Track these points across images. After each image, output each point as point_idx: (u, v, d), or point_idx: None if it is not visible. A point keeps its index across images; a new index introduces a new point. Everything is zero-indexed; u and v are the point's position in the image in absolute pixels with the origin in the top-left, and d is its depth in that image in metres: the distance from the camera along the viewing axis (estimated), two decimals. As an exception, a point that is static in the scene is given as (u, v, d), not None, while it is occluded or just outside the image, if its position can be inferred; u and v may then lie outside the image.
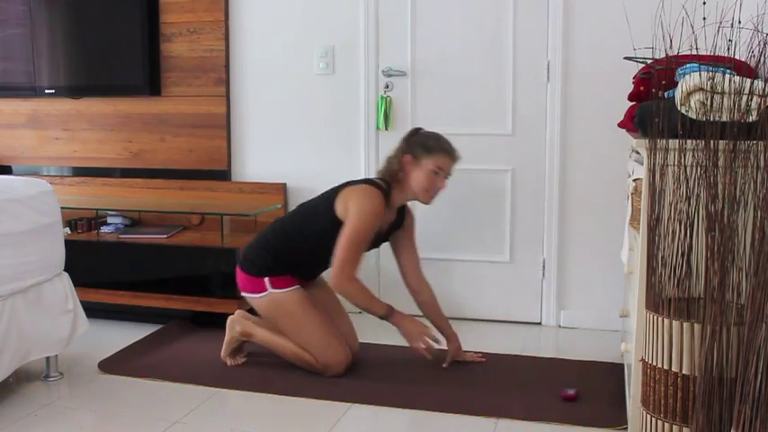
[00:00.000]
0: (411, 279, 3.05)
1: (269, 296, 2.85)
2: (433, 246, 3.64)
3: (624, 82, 2.76)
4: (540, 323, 3.57)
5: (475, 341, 3.28)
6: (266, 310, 2.89)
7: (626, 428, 2.30)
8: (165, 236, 3.65)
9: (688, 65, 2.07)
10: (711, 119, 1.88)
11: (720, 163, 1.86)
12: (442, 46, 3.55)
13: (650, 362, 1.96)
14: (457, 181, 3.56)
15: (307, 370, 2.85)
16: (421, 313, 3.06)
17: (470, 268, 3.62)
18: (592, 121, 3.37)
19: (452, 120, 3.56)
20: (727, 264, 1.84)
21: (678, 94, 1.98)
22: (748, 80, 1.89)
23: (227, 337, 2.99)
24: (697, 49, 2.01)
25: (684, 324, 1.87)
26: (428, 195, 2.89)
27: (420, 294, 3.05)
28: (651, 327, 1.95)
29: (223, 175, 3.88)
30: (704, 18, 2.04)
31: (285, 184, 3.78)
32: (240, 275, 2.91)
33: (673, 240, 1.93)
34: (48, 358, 2.82)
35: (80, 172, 4.11)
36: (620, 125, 2.69)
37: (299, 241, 2.86)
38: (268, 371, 2.89)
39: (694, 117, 1.93)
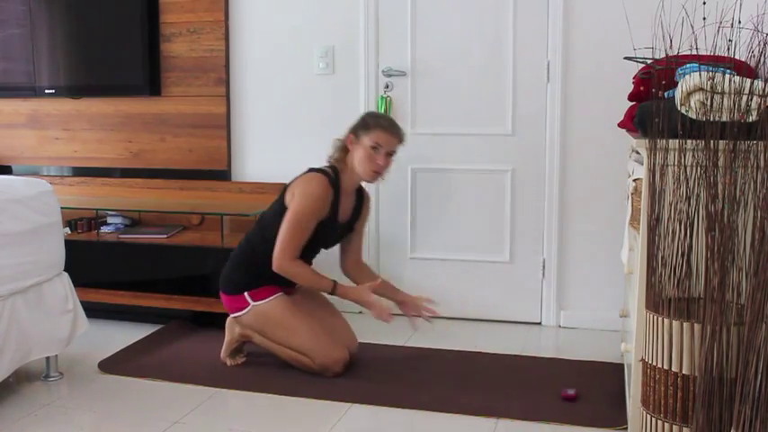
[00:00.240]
0: (350, 265, 3.07)
1: (253, 310, 2.86)
2: (434, 246, 3.65)
3: (624, 82, 2.76)
4: (540, 323, 3.56)
5: (475, 341, 3.29)
6: (254, 324, 2.89)
7: (626, 428, 2.30)
8: (165, 236, 3.65)
9: (688, 65, 2.07)
10: (711, 119, 1.88)
11: (720, 163, 1.86)
12: (442, 46, 3.55)
13: (650, 362, 1.96)
14: (457, 181, 3.58)
15: (306, 371, 2.85)
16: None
17: (470, 268, 3.62)
18: (592, 121, 3.37)
19: (452, 120, 3.56)
20: (727, 264, 1.84)
21: (678, 94, 1.98)
22: (748, 80, 1.89)
23: (226, 338, 2.99)
24: (697, 49, 2.01)
25: (684, 324, 1.87)
26: (369, 173, 2.87)
27: (361, 279, 3.05)
28: (651, 327, 1.95)
29: (223, 175, 3.88)
30: (704, 18, 2.04)
31: (285, 184, 3.77)
32: (223, 298, 2.95)
33: (673, 240, 1.93)
34: (48, 358, 2.82)
35: (80, 172, 4.11)
36: (620, 125, 2.69)
37: (264, 250, 2.85)
38: (268, 371, 2.89)
39: (694, 117, 1.93)
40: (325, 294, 2.93)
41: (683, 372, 1.88)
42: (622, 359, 2.80)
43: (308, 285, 2.88)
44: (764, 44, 1.87)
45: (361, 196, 3.02)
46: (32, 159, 4.20)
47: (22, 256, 2.60)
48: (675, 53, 2.08)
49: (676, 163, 1.93)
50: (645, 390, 2.01)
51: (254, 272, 2.88)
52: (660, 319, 1.92)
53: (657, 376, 1.94)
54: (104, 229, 3.80)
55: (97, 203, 3.87)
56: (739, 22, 1.97)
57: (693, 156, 1.90)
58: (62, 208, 2.89)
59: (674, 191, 1.94)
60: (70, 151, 4.13)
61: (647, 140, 1.99)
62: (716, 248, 1.84)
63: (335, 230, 2.93)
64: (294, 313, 2.85)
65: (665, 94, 2.11)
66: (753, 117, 1.86)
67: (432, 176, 3.62)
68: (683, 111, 1.95)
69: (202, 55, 3.84)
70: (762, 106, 1.84)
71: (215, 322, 3.32)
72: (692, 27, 2.04)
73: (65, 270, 2.86)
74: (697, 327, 1.86)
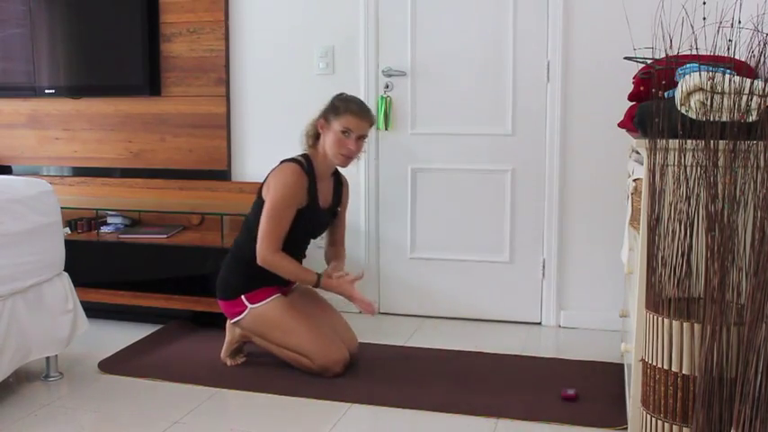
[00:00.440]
0: (331, 248, 3.08)
1: (251, 313, 2.86)
2: (434, 246, 3.65)
3: (624, 82, 2.76)
4: (540, 323, 3.56)
5: (475, 341, 3.28)
6: (253, 327, 2.89)
7: (626, 428, 2.30)
8: (165, 236, 3.65)
9: (688, 65, 2.07)
10: (711, 119, 1.88)
11: (720, 163, 1.86)
12: (442, 46, 3.54)
13: (650, 362, 1.96)
14: (457, 181, 3.58)
15: (307, 372, 2.85)
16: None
17: (470, 268, 3.62)
18: (592, 121, 3.37)
19: (452, 120, 3.56)
20: (727, 264, 1.84)
21: (678, 94, 1.98)
22: (748, 80, 1.89)
23: (227, 339, 2.99)
24: (697, 49, 2.01)
25: (684, 324, 1.87)
26: (340, 157, 2.88)
27: (330, 253, 3.07)
28: (651, 327, 1.95)
29: (223, 175, 3.88)
30: (704, 18, 2.04)
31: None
32: (220, 304, 2.95)
33: (673, 240, 1.93)
34: (48, 358, 2.82)
35: (80, 172, 4.11)
36: (620, 125, 2.69)
37: (253, 250, 2.84)
38: (268, 371, 2.89)
39: (694, 117, 1.93)
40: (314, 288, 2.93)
41: (683, 372, 1.88)
42: (622, 359, 2.80)
43: (292, 278, 2.88)
44: (764, 44, 1.87)
45: (339, 181, 3.03)
46: (32, 159, 4.20)
47: (22, 256, 2.60)
48: (675, 53, 2.08)
49: (676, 163, 1.93)
50: (645, 390, 2.01)
51: (248, 274, 2.88)
52: (660, 319, 1.92)
53: (657, 376, 1.94)
54: (104, 229, 3.80)
55: (97, 203, 3.87)
56: (739, 22, 1.97)
57: (693, 156, 1.91)
58: (62, 208, 2.89)
59: (674, 191, 1.94)
60: (70, 151, 4.13)
61: (647, 140, 1.99)
62: (716, 248, 1.84)
63: (319, 217, 2.93)
64: (292, 314, 2.85)
65: (665, 94, 2.11)
66: (753, 117, 1.86)
67: (432, 176, 3.62)
68: (683, 111, 1.95)
69: (202, 55, 3.84)
70: (762, 106, 1.84)
71: (215, 322, 3.32)
72: (692, 27, 2.04)
73: (65, 270, 2.86)
74: (697, 327, 1.86)
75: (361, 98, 3.60)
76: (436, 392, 2.68)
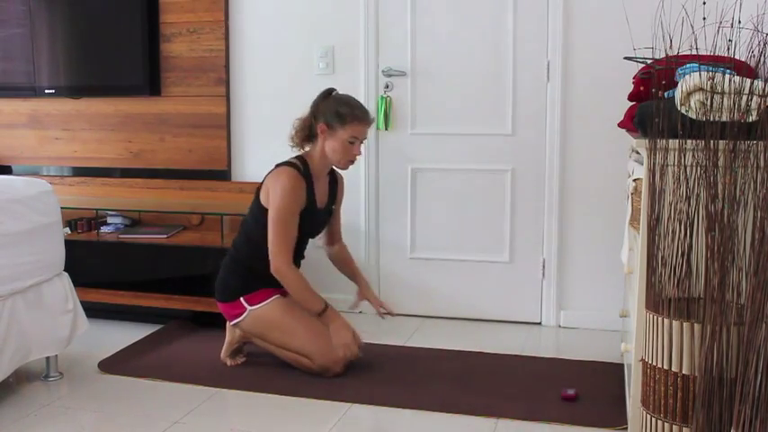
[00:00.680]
0: (332, 249, 3.11)
1: (250, 314, 2.86)
2: (434, 246, 3.65)
3: (624, 82, 2.76)
4: (540, 323, 3.56)
5: (475, 341, 3.28)
6: (252, 329, 2.89)
7: (626, 428, 2.30)
8: (165, 236, 3.65)
9: (688, 65, 2.07)
10: (711, 119, 1.88)
11: (720, 163, 1.86)
12: (442, 46, 3.54)
13: (650, 362, 1.96)
14: (457, 181, 3.58)
15: (307, 372, 2.85)
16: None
17: (470, 268, 3.62)
18: (592, 121, 3.37)
19: (452, 120, 3.56)
20: (727, 264, 1.84)
21: (678, 94, 1.98)
22: (748, 80, 1.89)
23: (227, 339, 2.99)
24: (697, 49, 2.01)
25: (684, 324, 1.87)
26: (345, 163, 2.89)
27: (336, 254, 3.11)
28: (651, 327, 1.95)
29: (223, 175, 3.88)
30: (704, 18, 2.04)
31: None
32: (220, 306, 2.95)
33: (673, 240, 1.93)
34: (48, 358, 2.82)
35: (80, 172, 4.11)
36: (620, 125, 2.69)
37: (252, 251, 2.86)
38: (268, 371, 2.89)
39: (694, 117, 1.93)
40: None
41: (683, 372, 1.88)
42: (622, 359, 2.80)
43: (299, 299, 2.82)
44: (764, 44, 1.87)
45: (334, 179, 3.02)
46: (32, 159, 4.20)
47: (22, 256, 2.60)
48: (675, 53, 2.08)
49: (676, 163, 1.93)
50: (645, 390, 2.01)
51: (247, 276, 2.88)
52: (660, 319, 1.92)
53: (657, 376, 1.94)
54: (104, 229, 3.80)
55: (97, 203, 3.87)
56: (739, 22, 1.97)
57: (693, 156, 1.90)
58: (62, 208, 2.89)
59: (674, 191, 1.94)
60: (70, 151, 4.13)
61: (647, 140, 1.99)
62: (716, 248, 1.84)
63: (318, 217, 2.94)
64: (292, 315, 2.85)
65: (665, 94, 2.11)
66: (753, 117, 1.86)
67: (432, 176, 3.62)
68: (683, 111, 1.95)
69: (202, 55, 3.84)
70: (762, 106, 1.84)
71: (215, 322, 3.32)
72: (692, 27, 2.04)
73: (65, 270, 2.86)
74: (697, 327, 1.86)
75: (362, 98, 3.61)
76: (436, 392, 2.68)
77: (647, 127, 2.00)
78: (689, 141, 1.91)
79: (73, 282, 2.89)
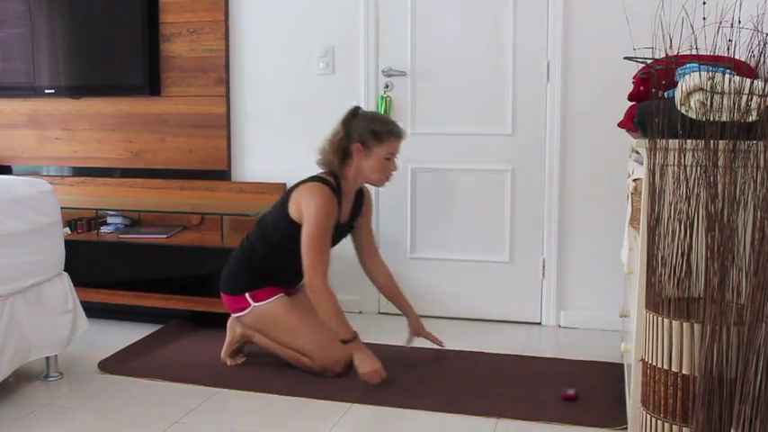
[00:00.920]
0: (367, 261, 3.08)
1: (254, 310, 2.86)
2: (433, 246, 3.65)
3: (624, 82, 2.76)
4: (540, 323, 3.56)
5: (475, 341, 3.28)
6: (255, 324, 2.89)
7: (626, 428, 2.30)
8: (165, 236, 3.65)
9: (688, 65, 2.07)
10: (711, 119, 1.88)
11: (720, 163, 1.86)
12: (441, 46, 3.54)
13: (650, 362, 1.96)
14: (457, 181, 3.58)
15: (307, 372, 2.85)
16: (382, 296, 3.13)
17: (470, 268, 3.62)
18: (592, 121, 3.37)
19: (452, 120, 3.56)
20: (727, 264, 1.84)
21: (678, 94, 1.98)
22: (748, 80, 1.89)
23: (227, 339, 2.99)
24: (697, 49, 2.01)
25: (684, 324, 1.87)
26: (383, 180, 2.89)
27: (377, 276, 3.08)
28: (651, 327, 1.95)
29: (223, 175, 3.88)
30: (704, 18, 2.04)
31: (285, 185, 3.78)
32: (224, 298, 2.94)
33: (673, 240, 1.93)
34: (48, 358, 2.82)
35: (80, 172, 4.11)
36: (620, 125, 2.69)
37: (266, 253, 2.87)
38: (268, 371, 2.89)
39: (694, 117, 1.93)
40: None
41: (683, 372, 1.88)
42: (622, 359, 2.80)
43: (328, 321, 2.76)
44: (764, 44, 1.87)
45: (360, 193, 3.02)
46: (32, 159, 4.20)
47: (22, 256, 2.60)
48: (675, 53, 2.08)
49: (676, 163, 1.93)
50: (645, 390, 2.01)
51: (256, 273, 2.88)
52: (660, 319, 1.92)
53: (657, 376, 1.94)
54: (104, 229, 3.80)
55: (97, 203, 3.87)
56: (739, 21, 1.97)
57: (693, 156, 1.90)
58: (62, 208, 2.89)
59: (674, 191, 1.94)
60: (70, 151, 4.13)
61: (647, 140, 1.99)
62: (716, 248, 1.84)
63: (338, 232, 2.92)
64: (295, 314, 2.85)
65: (665, 94, 2.11)
66: (753, 117, 1.86)
67: (432, 176, 3.62)
68: (683, 111, 1.95)
69: (202, 55, 3.84)
70: (762, 106, 1.84)
71: (215, 322, 3.32)
72: (692, 27, 2.04)
73: (65, 270, 2.86)
74: (697, 327, 1.86)
75: (362, 98, 3.63)
76: (436, 392, 2.68)
77: (647, 127, 2.00)
78: (689, 141, 1.91)
79: (73, 282, 2.89)
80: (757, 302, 1.67)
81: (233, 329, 2.97)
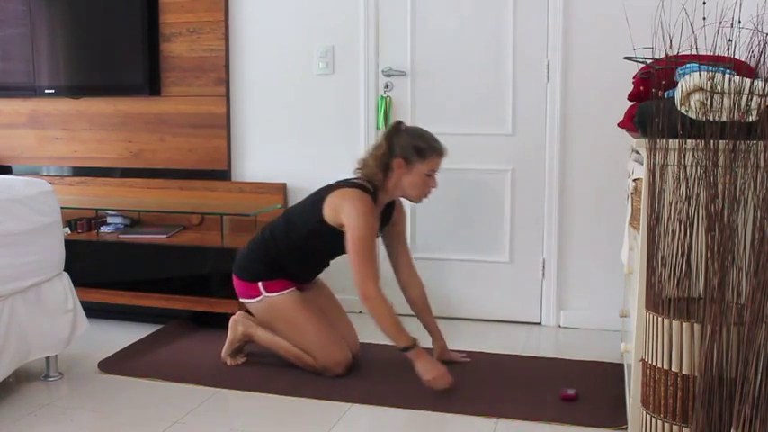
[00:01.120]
0: (403, 274, 3.06)
1: (264, 300, 2.86)
2: (433, 246, 3.65)
3: (624, 82, 2.75)
4: (540, 323, 3.56)
5: (475, 341, 3.28)
6: (262, 314, 2.90)
7: (626, 428, 2.30)
8: (165, 236, 3.65)
9: (688, 65, 2.07)
10: (711, 119, 1.88)
11: (720, 163, 1.86)
12: (441, 46, 3.54)
13: (650, 362, 1.96)
14: (457, 181, 3.58)
15: (308, 370, 2.85)
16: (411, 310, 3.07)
17: (470, 268, 3.62)
18: (592, 121, 3.37)
19: (452, 120, 3.56)
20: (727, 264, 1.84)
21: (678, 94, 1.98)
22: (748, 80, 1.89)
23: (229, 338, 2.99)
24: (697, 49, 2.01)
25: (684, 324, 1.87)
26: (422, 196, 2.88)
27: (411, 290, 3.05)
28: (651, 327, 1.95)
29: (223, 175, 3.88)
30: (704, 18, 2.04)
31: (285, 184, 3.78)
32: (236, 282, 2.93)
33: (673, 240, 1.93)
34: (48, 358, 2.82)
35: (80, 172, 4.11)
36: (620, 125, 2.69)
37: (288, 247, 2.86)
38: (268, 371, 2.89)
39: (694, 117, 1.93)
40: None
41: (683, 372, 1.88)
42: (622, 359, 2.80)
43: (386, 330, 2.70)
44: (764, 44, 1.87)
45: (390, 204, 2.97)
46: (32, 159, 4.20)
47: (22, 256, 2.60)
48: (675, 53, 2.08)
49: (676, 163, 1.93)
50: (645, 390, 2.01)
51: (273, 264, 2.87)
52: (660, 319, 1.92)
53: (657, 376, 1.94)
54: (104, 229, 3.80)
55: (97, 203, 3.87)
56: (739, 21, 1.97)
57: (693, 156, 1.91)
58: (62, 208, 2.89)
59: (674, 191, 1.94)
60: (70, 151, 4.13)
61: (647, 140, 1.99)
62: (716, 248, 1.84)
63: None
64: (304, 310, 2.84)
65: (665, 94, 2.11)
66: (753, 117, 1.86)
67: (432, 176, 3.61)
68: (683, 111, 1.95)
69: (202, 55, 3.84)
70: (762, 106, 1.84)
71: (215, 322, 3.33)
72: (692, 27, 2.04)
73: (65, 270, 2.86)
74: (697, 327, 1.86)
75: (361, 98, 3.63)
76: (436, 392, 2.68)
77: (647, 127, 2.00)
78: (689, 141, 1.91)
79: (73, 282, 2.89)
80: (757, 302, 1.67)
81: (235, 328, 2.97)
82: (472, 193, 3.57)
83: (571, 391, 2.62)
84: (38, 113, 4.16)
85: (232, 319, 3.00)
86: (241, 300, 2.95)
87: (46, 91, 4.01)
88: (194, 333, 3.38)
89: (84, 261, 3.48)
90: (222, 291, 3.35)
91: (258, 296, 2.86)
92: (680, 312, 1.90)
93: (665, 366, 1.91)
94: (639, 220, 2.10)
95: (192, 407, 2.59)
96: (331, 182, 2.92)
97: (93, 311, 3.28)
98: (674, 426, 1.92)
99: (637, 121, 2.11)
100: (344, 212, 2.74)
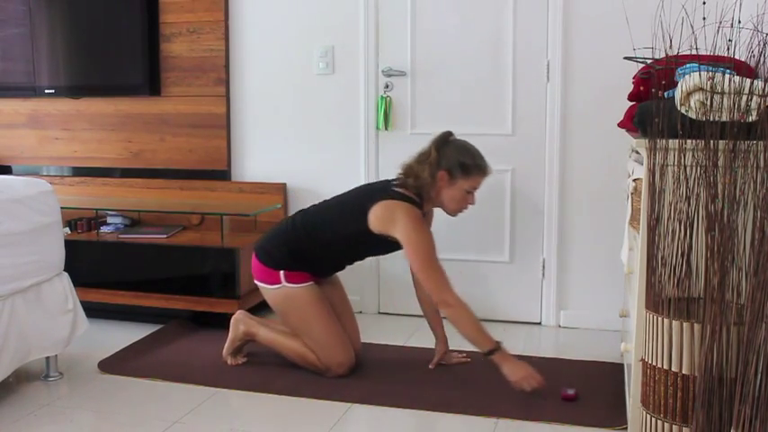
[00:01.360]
0: (420, 290, 3.04)
1: (282, 289, 2.84)
2: (433, 246, 3.64)
3: (624, 82, 2.75)
4: (540, 323, 3.56)
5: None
6: (277, 303, 2.88)
7: (626, 428, 2.30)
8: (165, 236, 3.65)
9: (688, 65, 2.07)
10: (711, 119, 1.88)
11: (720, 163, 1.86)
12: (441, 46, 3.54)
13: (650, 362, 1.96)
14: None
15: (308, 370, 2.85)
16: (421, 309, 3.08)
17: (470, 268, 3.62)
18: (592, 121, 3.37)
19: (452, 120, 3.56)
20: (727, 264, 1.84)
21: (678, 94, 1.98)
22: (748, 80, 1.89)
23: (230, 336, 2.98)
24: (697, 49, 2.01)
25: (684, 324, 1.87)
26: (458, 211, 2.88)
27: (424, 295, 3.03)
28: (651, 327, 1.95)
29: (223, 175, 3.88)
30: (704, 18, 2.04)
31: (285, 184, 3.78)
32: (255, 263, 2.89)
33: (673, 240, 1.93)
34: (48, 358, 2.82)
35: (80, 172, 4.11)
36: (620, 125, 2.69)
37: (320, 242, 2.83)
38: (268, 371, 2.89)
39: (694, 117, 1.93)
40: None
41: (683, 372, 1.89)
42: (622, 359, 2.80)
43: (469, 335, 2.67)
44: (764, 44, 1.87)
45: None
46: (32, 159, 4.20)
47: (22, 256, 2.60)
48: (675, 53, 2.08)
49: (676, 163, 1.93)
50: (645, 390, 2.01)
51: (297, 256, 2.84)
52: (660, 319, 1.92)
53: (657, 376, 1.94)
54: (104, 229, 3.80)
55: (97, 203, 3.87)
56: (739, 21, 1.97)
57: (693, 156, 1.91)
58: (62, 208, 2.89)
59: (673, 191, 1.94)
60: (70, 151, 4.13)
61: (647, 140, 1.99)
62: (716, 248, 1.84)
63: (383, 247, 2.87)
64: (317, 307, 2.83)
65: (665, 94, 2.11)
66: (753, 117, 1.86)
67: (432, 176, 3.61)
68: (683, 111, 1.95)
69: (202, 55, 3.84)
70: (762, 106, 1.84)
71: (215, 322, 3.33)
72: (692, 27, 2.04)
73: (65, 270, 2.86)
74: (697, 327, 1.86)
75: (361, 98, 3.63)
76: (436, 392, 2.68)
77: (647, 127, 2.00)
78: (689, 141, 1.91)
79: (73, 282, 2.89)
80: (757, 302, 1.67)
81: (236, 327, 2.97)
82: (472, 193, 3.57)
83: (571, 391, 2.62)
84: (38, 113, 4.16)
85: (233, 317, 3.00)
86: (256, 282, 2.91)
87: (46, 91, 4.02)
88: (194, 333, 3.38)
89: (84, 261, 3.48)
90: (222, 291, 3.36)
91: (277, 284, 2.84)
92: (680, 312, 1.90)
93: (665, 366, 1.91)
94: (639, 220, 2.10)
95: (192, 407, 2.59)
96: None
97: (93, 311, 3.28)
98: (674, 426, 1.92)
99: (637, 121, 2.11)
100: (398, 229, 2.72)
